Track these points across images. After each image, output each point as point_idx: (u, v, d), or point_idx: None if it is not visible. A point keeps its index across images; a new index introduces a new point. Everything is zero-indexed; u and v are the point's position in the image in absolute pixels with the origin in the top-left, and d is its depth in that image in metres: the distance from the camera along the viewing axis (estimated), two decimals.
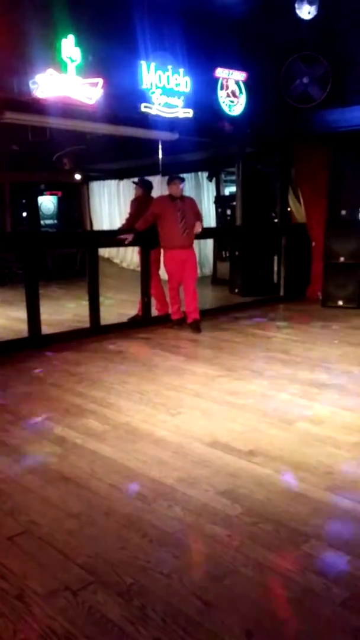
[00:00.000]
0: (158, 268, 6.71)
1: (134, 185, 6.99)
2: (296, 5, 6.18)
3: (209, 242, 10.17)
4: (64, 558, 2.21)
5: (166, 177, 8.92)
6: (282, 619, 1.89)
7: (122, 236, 6.20)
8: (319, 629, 1.84)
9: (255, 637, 1.80)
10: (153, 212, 6.18)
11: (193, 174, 10.63)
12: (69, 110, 5.37)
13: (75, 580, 2.08)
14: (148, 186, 6.87)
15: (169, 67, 6.01)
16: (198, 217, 6.30)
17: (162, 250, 6.48)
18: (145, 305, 6.56)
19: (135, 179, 7.20)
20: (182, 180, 6.27)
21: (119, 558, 2.21)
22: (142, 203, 6.64)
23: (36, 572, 2.13)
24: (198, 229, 6.22)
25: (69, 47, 5.17)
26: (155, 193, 8.13)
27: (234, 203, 8.40)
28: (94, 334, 6.01)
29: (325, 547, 2.27)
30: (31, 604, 1.96)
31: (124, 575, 2.10)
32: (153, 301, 6.70)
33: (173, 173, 6.22)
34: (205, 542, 2.31)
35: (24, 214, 12.02)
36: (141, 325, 6.45)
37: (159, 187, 9.47)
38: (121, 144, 7.84)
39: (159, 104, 5.98)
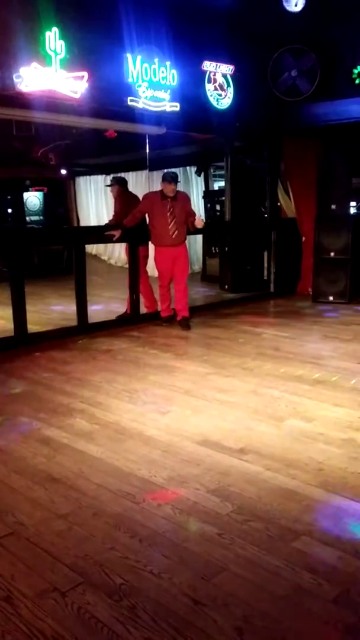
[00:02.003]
0: (145, 265, 6.66)
1: (110, 187, 6.88)
2: None
3: (198, 238, 10.14)
4: (52, 559, 2.18)
5: (153, 173, 8.83)
6: (274, 616, 1.87)
7: (110, 232, 6.13)
8: (310, 626, 1.83)
9: (247, 635, 1.79)
10: (142, 210, 6.10)
11: (181, 168, 10.57)
12: (54, 104, 5.30)
13: (63, 581, 2.05)
14: (124, 182, 6.79)
15: (155, 60, 5.95)
16: (190, 215, 6.04)
17: (148, 247, 6.42)
18: (134, 302, 6.52)
19: (108, 182, 7.11)
20: (177, 181, 6.03)
21: (108, 558, 2.18)
22: (124, 199, 6.58)
23: (24, 574, 2.10)
24: (198, 224, 5.98)
25: (53, 40, 5.09)
26: (142, 187, 8.04)
27: (223, 198, 8.37)
28: (82, 332, 5.96)
29: (316, 544, 2.25)
30: (19, 605, 1.94)
31: (114, 576, 2.08)
32: (141, 299, 6.65)
33: (160, 168, 6.11)
34: (196, 541, 2.29)
35: (9, 211, 11.92)
36: (130, 323, 6.40)
37: (146, 182, 9.41)
38: (108, 138, 7.78)
39: (146, 97, 5.92)
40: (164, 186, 5.95)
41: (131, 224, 6.06)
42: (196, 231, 6.39)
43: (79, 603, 1.94)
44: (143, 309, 6.63)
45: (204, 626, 1.83)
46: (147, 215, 6.13)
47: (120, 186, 6.69)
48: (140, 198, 6.44)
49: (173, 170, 8.29)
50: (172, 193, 5.93)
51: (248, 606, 1.91)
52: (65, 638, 1.79)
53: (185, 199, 6.17)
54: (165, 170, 6.67)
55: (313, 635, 1.79)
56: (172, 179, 5.94)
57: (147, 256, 6.63)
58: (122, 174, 11.28)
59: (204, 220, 6.16)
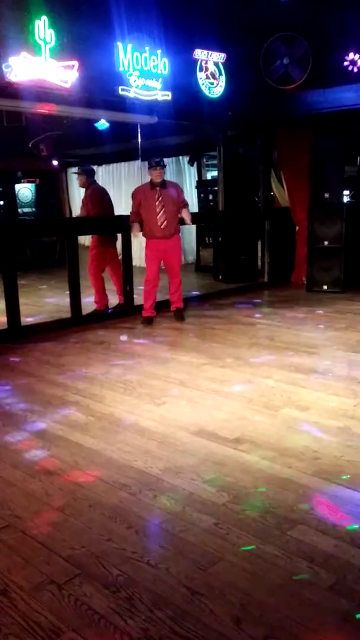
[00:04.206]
0: (105, 259, 6.52)
1: (77, 176, 6.76)
2: None
3: (192, 229, 10.10)
4: (49, 551, 2.18)
5: (146, 163, 8.76)
6: (271, 605, 1.87)
7: (133, 233, 6.00)
8: (307, 614, 1.83)
9: (244, 624, 1.79)
10: (136, 205, 5.95)
11: (174, 158, 10.51)
12: (44, 94, 5.23)
13: (60, 573, 2.05)
14: (91, 173, 6.66)
15: (146, 48, 5.88)
16: (181, 204, 5.94)
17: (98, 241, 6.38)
18: (128, 294, 6.49)
19: (75, 169, 7.00)
20: (163, 165, 5.92)
21: (105, 550, 2.18)
22: (94, 193, 6.47)
23: (20, 567, 2.09)
24: (186, 218, 5.91)
25: (43, 28, 5.02)
26: (134, 178, 8.00)
27: (216, 188, 8.33)
28: (76, 324, 5.94)
29: (313, 532, 2.26)
30: (16, 598, 1.93)
31: (110, 567, 2.07)
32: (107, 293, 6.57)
33: (153, 158, 5.99)
34: (192, 531, 2.29)
35: (1, 203, 11.83)
36: (124, 314, 6.38)
37: (138, 172, 9.35)
38: (99, 128, 7.72)
39: (137, 86, 5.86)
40: (150, 173, 5.86)
41: (137, 220, 5.96)
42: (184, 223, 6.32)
43: (76, 595, 1.93)
44: (138, 301, 6.59)
45: (201, 616, 1.83)
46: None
47: (87, 177, 6.52)
48: (107, 191, 6.47)
49: (165, 159, 8.15)
50: (160, 178, 5.79)
51: (245, 595, 1.92)
52: (62, 630, 1.78)
53: (176, 188, 6.05)
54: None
55: (310, 623, 1.80)
56: (156, 163, 5.80)
57: (94, 247, 6.47)
58: (115, 165, 11.21)
59: (190, 214, 6.06)
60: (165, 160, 10.59)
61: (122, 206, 8.68)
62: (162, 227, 5.81)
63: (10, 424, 3.45)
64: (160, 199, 5.79)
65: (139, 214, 5.96)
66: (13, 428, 3.38)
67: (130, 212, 6.04)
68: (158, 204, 5.78)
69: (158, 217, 5.79)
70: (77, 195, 12.27)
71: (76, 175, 6.83)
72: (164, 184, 5.86)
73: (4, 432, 3.32)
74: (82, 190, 12.29)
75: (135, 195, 6.02)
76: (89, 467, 2.85)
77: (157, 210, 5.78)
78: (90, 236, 6.70)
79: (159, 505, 2.48)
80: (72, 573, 2.04)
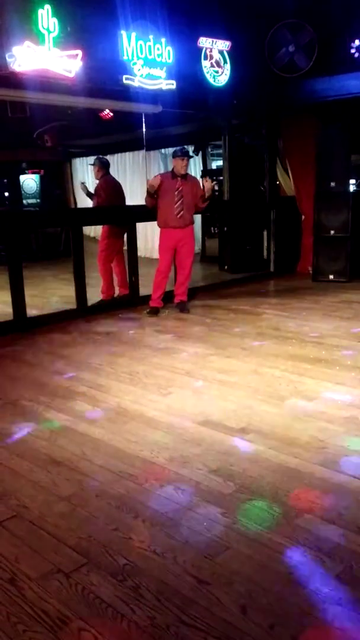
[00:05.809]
0: (115, 250, 6.51)
1: (92, 167, 6.74)
2: None
3: (197, 219, 10.03)
4: (56, 541, 2.19)
5: (150, 152, 8.74)
6: (277, 594, 1.88)
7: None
8: (314, 603, 1.83)
9: (251, 613, 1.79)
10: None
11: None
12: (48, 84, 5.21)
13: (67, 562, 2.06)
14: (106, 165, 6.62)
15: (150, 36, 5.84)
16: (198, 198, 5.86)
17: (109, 231, 6.35)
18: (133, 284, 6.48)
19: (91, 160, 6.96)
20: (189, 155, 5.86)
21: (112, 539, 2.19)
22: (108, 184, 6.46)
23: (28, 556, 2.11)
24: (207, 186, 5.81)
25: (46, 17, 4.98)
26: (139, 168, 7.95)
27: (222, 177, 8.28)
28: (81, 315, 5.94)
29: (319, 521, 2.26)
30: (24, 587, 1.94)
31: (117, 556, 2.08)
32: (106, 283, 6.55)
33: (157, 147, 5.95)
34: (198, 521, 2.29)
35: (6, 194, 11.81)
36: (129, 305, 6.38)
37: (143, 162, 9.31)
38: (103, 119, 7.68)
39: (141, 75, 5.82)
40: (175, 162, 5.81)
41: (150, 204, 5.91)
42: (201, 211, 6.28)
43: (83, 584, 1.94)
44: (143, 292, 6.58)
45: (208, 604, 1.83)
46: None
47: (101, 168, 6.49)
48: (119, 183, 6.47)
49: (170, 149, 8.10)
50: (184, 170, 5.76)
51: (252, 584, 1.92)
52: (69, 619, 1.79)
53: (196, 183, 6.01)
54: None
55: (317, 612, 1.80)
56: (183, 153, 5.78)
57: (105, 238, 6.47)
58: (119, 155, 11.15)
59: (212, 182, 6.02)
60: (170, 150, 10.50)
61: (128, 196, 8.65)
62: (178, 216, 5.78)
63: (17, 414, 3.47)
64: (180, 189, 5.75)
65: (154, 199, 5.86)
66: (20, 419, 3.40)
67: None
68: (177, 194, 5.74)
69: (175, 206, 5.76)
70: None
71: (92, 166, 6.83)
72: (185, 176, 5.82)
73: (11, 423, 3.33)
74: (87, 180, 12.30)
75: (154, 178, 5.89)
76: (95, 457, 2.86)
77: (176, 199, 5.75)
78: (100, 228, 6.70)
79: (166, 495, 2.49)
80: (79, 562, 2.06)
